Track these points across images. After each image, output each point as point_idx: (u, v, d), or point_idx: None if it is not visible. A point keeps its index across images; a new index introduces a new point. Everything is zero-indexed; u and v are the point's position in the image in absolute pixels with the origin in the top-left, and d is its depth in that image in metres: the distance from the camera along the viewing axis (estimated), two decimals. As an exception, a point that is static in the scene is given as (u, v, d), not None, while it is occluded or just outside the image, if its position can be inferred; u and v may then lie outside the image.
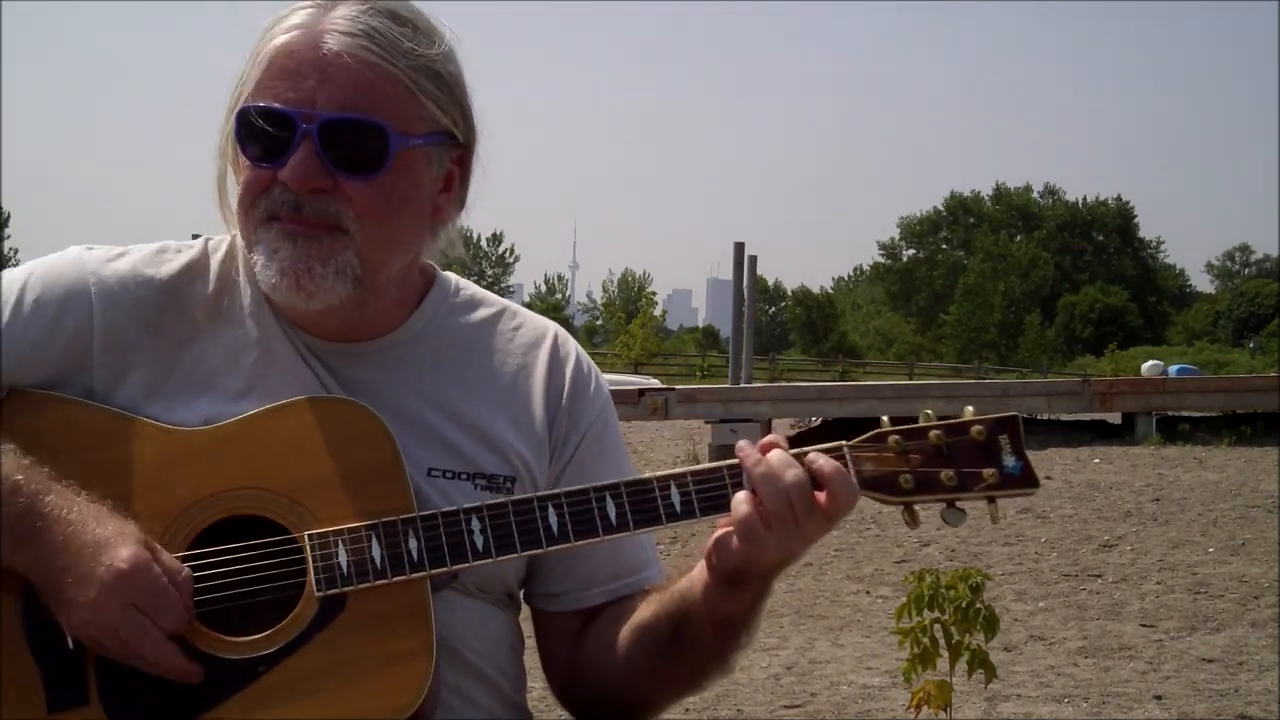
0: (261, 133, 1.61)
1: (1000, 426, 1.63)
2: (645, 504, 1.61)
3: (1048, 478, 11.21)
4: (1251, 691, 5.57)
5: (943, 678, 3.98)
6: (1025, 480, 1.63)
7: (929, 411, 1.64)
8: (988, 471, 1.61)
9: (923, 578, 4.05)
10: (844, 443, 1.63)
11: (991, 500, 1.62)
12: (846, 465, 1.61)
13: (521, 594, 1.83)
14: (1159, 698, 5.53)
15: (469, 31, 1.69)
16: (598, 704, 1.79)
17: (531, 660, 1.84)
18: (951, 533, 8.97)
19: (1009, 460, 1.62)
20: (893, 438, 1.63)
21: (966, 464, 1.62)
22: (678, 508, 1.61)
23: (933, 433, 1.62)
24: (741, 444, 1.61)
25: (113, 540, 1.54)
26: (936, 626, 4.00)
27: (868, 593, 7.60)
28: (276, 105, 1.60)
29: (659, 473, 1.64)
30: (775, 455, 1.59)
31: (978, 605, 3.99)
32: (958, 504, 1.63)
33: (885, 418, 1.65)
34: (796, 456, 1.60)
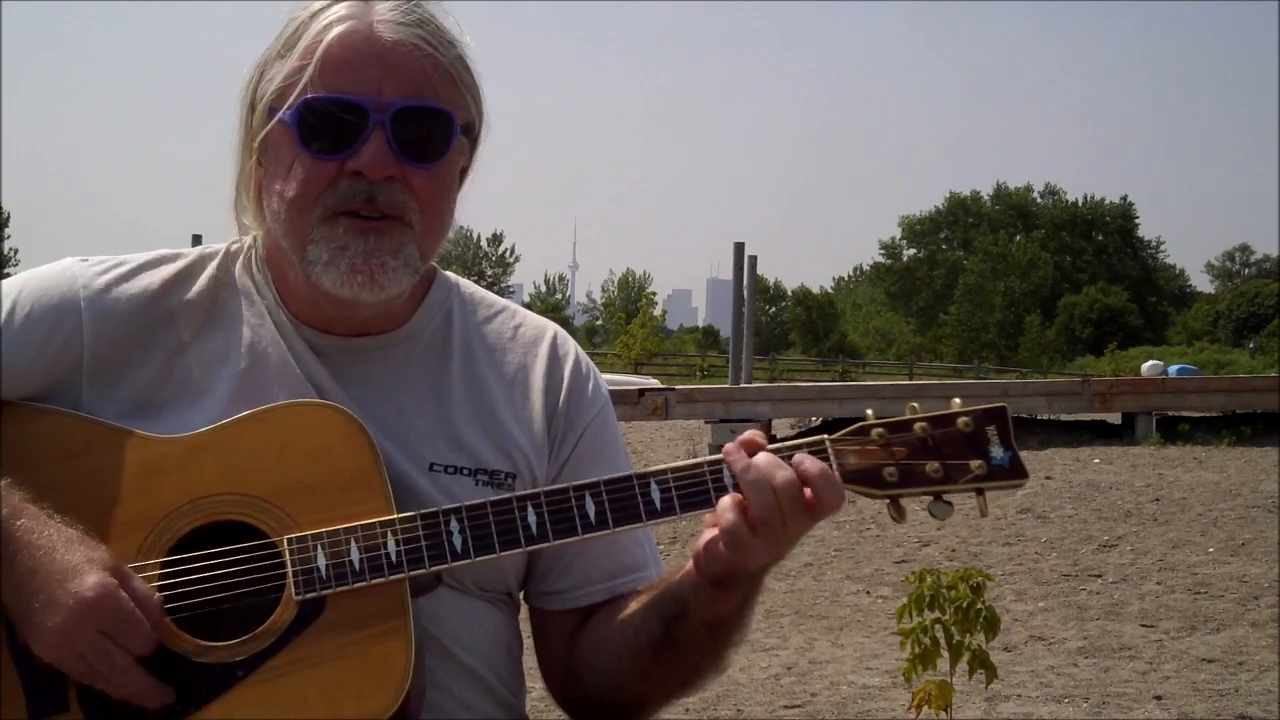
0: (330, 123, 1.61)
1: (988, 418, 1.59)
2: (625, 502, 1.59)
3: (1047, 478, 11.20)
4: (1251, 691, 5.57)
5: (943, 678, 3.98)
6: (1014, 472, 1.58)
7: (915, 404, 1.60)
8: (975, 463, 1.57)
9: (923, 578, 4.05)
10: (826, 436, 1.59)
11: (979, 492, 1.58)
12: (829, 459, 1.57)
13: (521, 594, 1.83)
14: (1159, 698, 5.52)
15: (471, 30, 1.70)
16: (593, 704, 1.78)
17: (530, 661, 1.84)
18: (951, 532, 8.97)
19: (996, 451, 1.57)
20: (876, 430, 1.59)
21: (952, 456, 1.57)
22: (658, 505, 1.58)
23: (918, 425, 1.58)
24: (729, 447, 1.58)
25: (80, 567, 1.52)
26: (937, 627, 4.00)
27: (868, 593, 7.60)
28: (347, 95, 1.60)
29: (639, 470, 1.62)
30: (763, 459, 1.56)
31: (978, 605, 3.99)
32: (944, 497, 1.58)
33: (870, 411, 1.62)
34: (782, 456, 1.56)
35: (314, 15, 1.65)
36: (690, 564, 1.63)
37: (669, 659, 1.69)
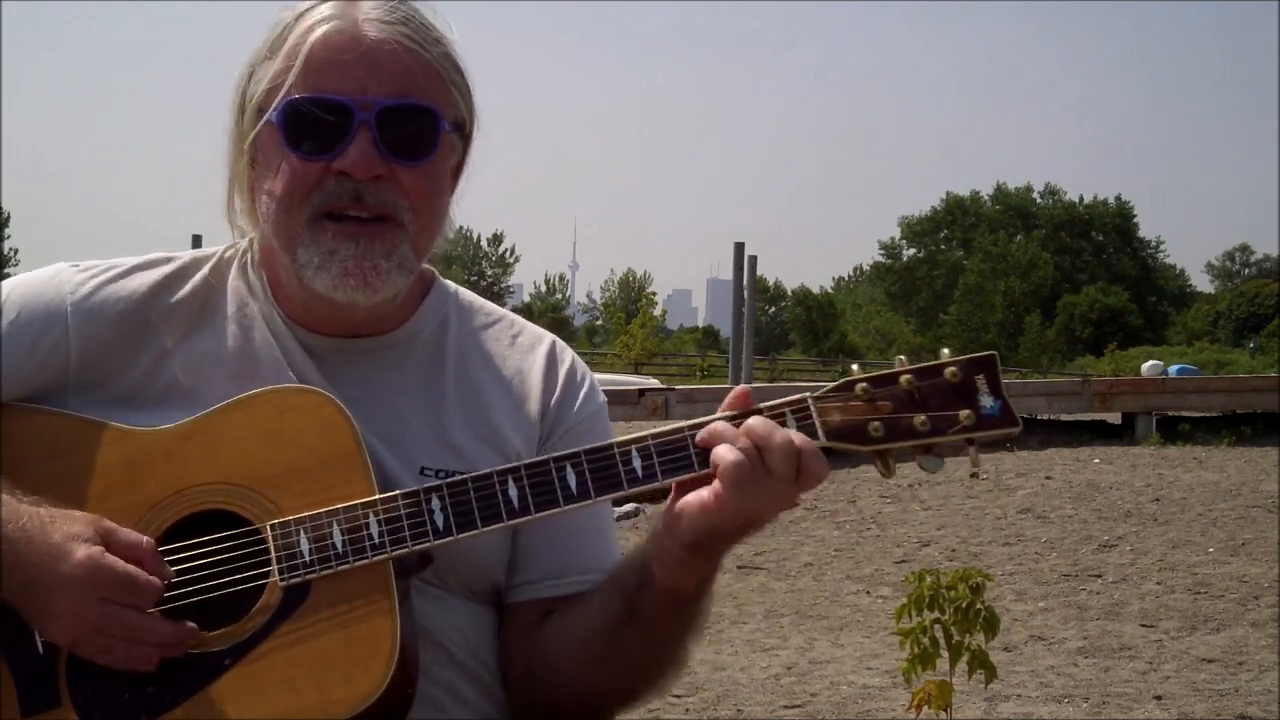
0: (315, 124, 1.61)
1: (976, 367, 1.54)
2: (606, 470, 1.57)
3: (1047, 478, 11.20)
4: (1251, 691, 5.58)
5: (943, 678, 3.98)
6: (1005, 420, 1.53)
7: (902, 358, 1.57)
8: (964, 413, 1.52)
9: (923, 578, 4.05)
10: (809, 395, 1.56)
11: (971, 443, 1.53)
12: (811, 417, 1.54)
13: None
14: (1159, 698, 5.53)
15: (469, 30, 1.70)
16: (546, 705, 1.74)
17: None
18: (951, 532, 8.97)
19: (986, 401, 1.53)
20: (860, 386, 1.54)
21: (940, 407, 1.52)
22: (639, 472, 1.56)
23: (904, 377, 1.54)
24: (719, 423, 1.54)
25: (63, 546, 1.53)
26: (936, 627, 4.00)
27: (868, 593, 7.60)
28: (331, 95, 1.60)
29: (619, 438, 1.59)
30: (757, 421, 1.52)
31: (978, 605, 3.99)
32: (934, 450, 1.53)
33: (855, 366, 1.59)
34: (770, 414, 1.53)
35: (299, 16, 1.65)
36: (651, 535, 1.60)
37: (629, 639, 1.65)
